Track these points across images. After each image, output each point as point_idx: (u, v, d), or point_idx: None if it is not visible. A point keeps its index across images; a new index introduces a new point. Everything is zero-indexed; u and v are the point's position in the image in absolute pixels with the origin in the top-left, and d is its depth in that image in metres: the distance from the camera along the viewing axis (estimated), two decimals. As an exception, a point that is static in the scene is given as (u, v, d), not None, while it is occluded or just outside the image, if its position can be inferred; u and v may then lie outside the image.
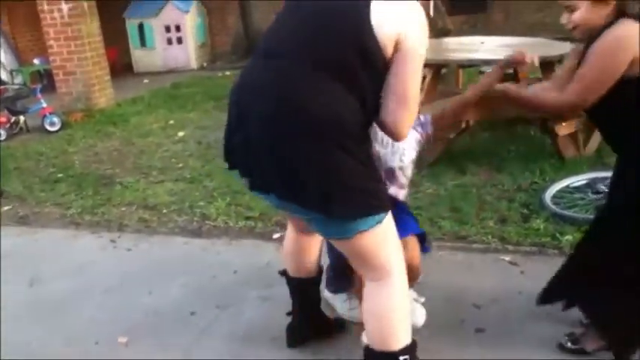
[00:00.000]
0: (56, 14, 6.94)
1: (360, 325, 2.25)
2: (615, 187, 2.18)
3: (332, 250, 2.38)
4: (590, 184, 3.63)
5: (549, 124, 4.15)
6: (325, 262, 2.48)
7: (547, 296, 2.33)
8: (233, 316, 2.70)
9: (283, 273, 2.39)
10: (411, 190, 2.38)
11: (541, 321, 2.43)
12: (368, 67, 1.68)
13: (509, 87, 2.26)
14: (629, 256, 2.04)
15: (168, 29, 10.74)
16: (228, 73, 9.47)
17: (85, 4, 7.05)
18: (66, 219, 4.04)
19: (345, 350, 2.36)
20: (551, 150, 4.32)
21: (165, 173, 4.79)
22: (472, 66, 5.63)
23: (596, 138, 4.20)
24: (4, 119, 6.46)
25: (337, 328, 2.48)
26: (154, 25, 10.70)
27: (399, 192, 2.14)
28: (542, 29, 8.01)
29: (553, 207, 3.40)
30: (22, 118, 6.63)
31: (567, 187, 3.67)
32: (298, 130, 1.65)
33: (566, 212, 3.34)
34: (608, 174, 2.31)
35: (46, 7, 6.96)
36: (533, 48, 4.21)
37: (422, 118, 2.17)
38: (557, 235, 3.13)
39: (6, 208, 4.32)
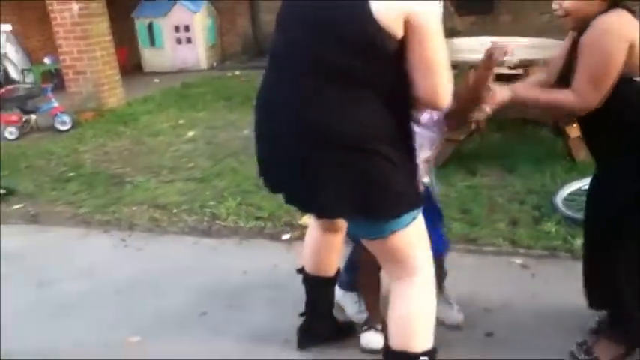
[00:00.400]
0: (66, 14, 6.96)
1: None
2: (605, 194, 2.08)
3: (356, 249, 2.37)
4: (602, 187, 3.59)
5: (561, 125, 4.11)
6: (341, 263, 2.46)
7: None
8: (243, 316, 2.70)
9: (300, 270, 2.39)
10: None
11: (552, 326, 2.41)
12: (381, 58, 1.65)
13: (518, 89, 2.15)
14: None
15: (177, 29, 10.76)
16: (237, 72, 9.47)
17: (95, 4, 7.08)
18: (77, 218, 4.05)
19: (354, 352, 2.35)
20: (563, 152, 4.28)
21: (175, 173, 4.80)
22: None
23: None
24: (15, 118, 6.48)
25: (347, 331, 2.47)
26: (163, 25, 10.72)
27: None
28: (553, 31, 7.94)
29: (564, 210, 3.37)
30: (33, 117, 6.64)
31: (579, 189, 3.61)
32: (332, 146, 1.69)
33: (577, 215, 3.29)
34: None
35: (56, 7, 6.98)
36: (541, 49, 4.20)
37: (435, 116, 2.13)
38: (569, 238, 3.11)
39: (17, 206, 4.34)
